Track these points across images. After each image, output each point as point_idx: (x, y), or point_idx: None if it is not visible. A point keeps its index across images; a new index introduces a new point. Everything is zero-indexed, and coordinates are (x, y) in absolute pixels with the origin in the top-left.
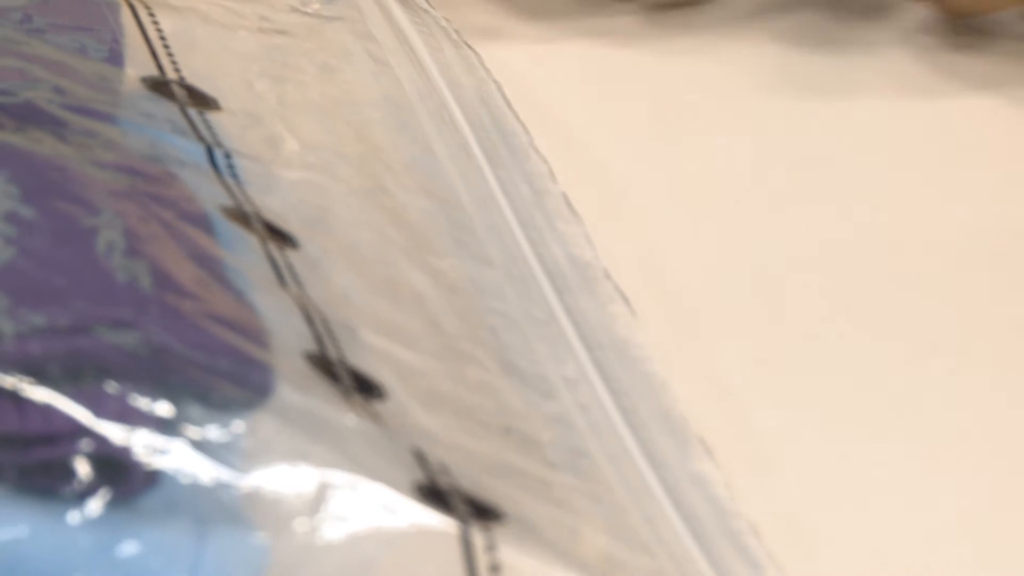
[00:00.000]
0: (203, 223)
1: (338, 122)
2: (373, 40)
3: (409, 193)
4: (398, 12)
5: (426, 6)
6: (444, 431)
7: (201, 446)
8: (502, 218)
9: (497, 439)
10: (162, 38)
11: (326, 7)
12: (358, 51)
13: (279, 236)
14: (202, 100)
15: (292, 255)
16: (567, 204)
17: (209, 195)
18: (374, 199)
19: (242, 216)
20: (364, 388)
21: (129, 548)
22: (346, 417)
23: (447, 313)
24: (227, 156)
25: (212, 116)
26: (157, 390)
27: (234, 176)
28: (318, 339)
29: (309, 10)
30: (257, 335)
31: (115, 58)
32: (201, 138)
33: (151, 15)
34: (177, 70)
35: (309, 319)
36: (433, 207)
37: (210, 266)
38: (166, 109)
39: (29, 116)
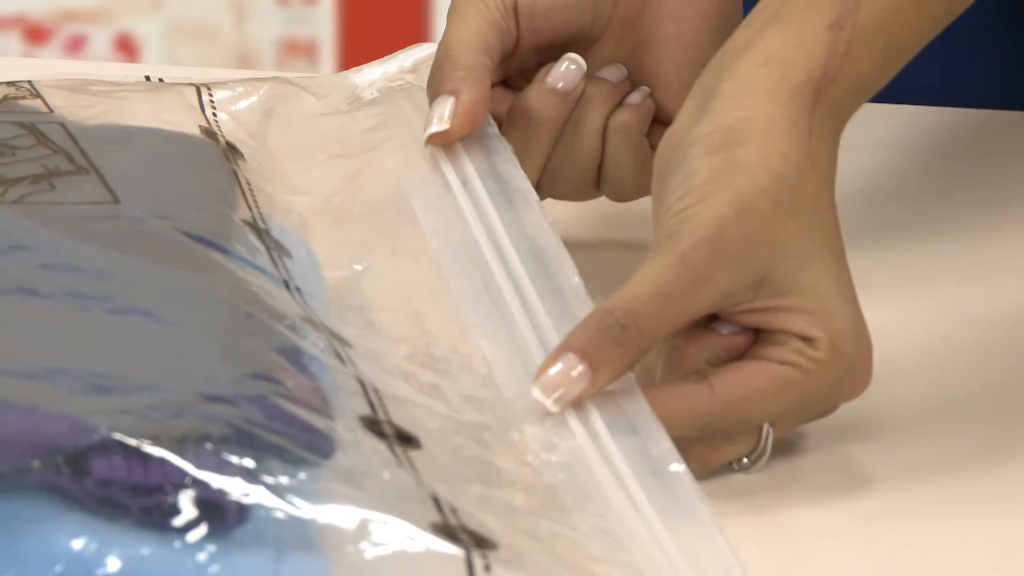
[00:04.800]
0: (287, 323)
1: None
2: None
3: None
4: None
5: None
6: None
7: (278, 490)
8: None
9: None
10: (251, 191)
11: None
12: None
13: (337, 338)
14: (281, 249)
15: (348, 349)
16: None
17: (288, 308)
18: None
19: (311, 321)
20: (404, 439)
21: (223, 568)
22: (384, 472)
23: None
24: (298, 289)
25: (287, 261)
26: (244, 449)
27: (302, 298)
28: (371, 406)
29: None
30: (324, 410)
31: (230, 199)
32: (280, 274)
33: (247, 181)
34: (264, 220)
35: (364, 391)
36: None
37: (291, 355)
38: (258, 249)
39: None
